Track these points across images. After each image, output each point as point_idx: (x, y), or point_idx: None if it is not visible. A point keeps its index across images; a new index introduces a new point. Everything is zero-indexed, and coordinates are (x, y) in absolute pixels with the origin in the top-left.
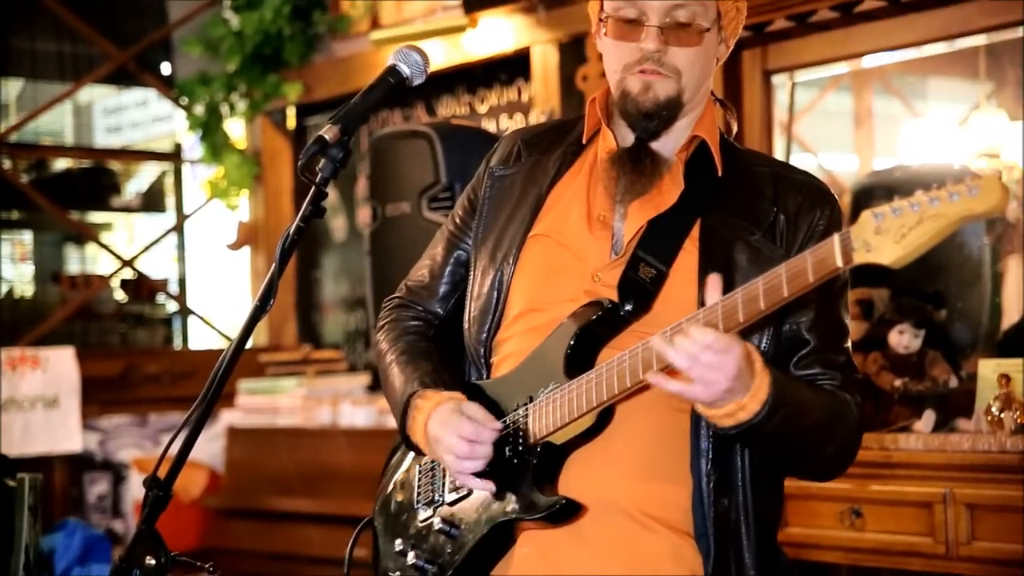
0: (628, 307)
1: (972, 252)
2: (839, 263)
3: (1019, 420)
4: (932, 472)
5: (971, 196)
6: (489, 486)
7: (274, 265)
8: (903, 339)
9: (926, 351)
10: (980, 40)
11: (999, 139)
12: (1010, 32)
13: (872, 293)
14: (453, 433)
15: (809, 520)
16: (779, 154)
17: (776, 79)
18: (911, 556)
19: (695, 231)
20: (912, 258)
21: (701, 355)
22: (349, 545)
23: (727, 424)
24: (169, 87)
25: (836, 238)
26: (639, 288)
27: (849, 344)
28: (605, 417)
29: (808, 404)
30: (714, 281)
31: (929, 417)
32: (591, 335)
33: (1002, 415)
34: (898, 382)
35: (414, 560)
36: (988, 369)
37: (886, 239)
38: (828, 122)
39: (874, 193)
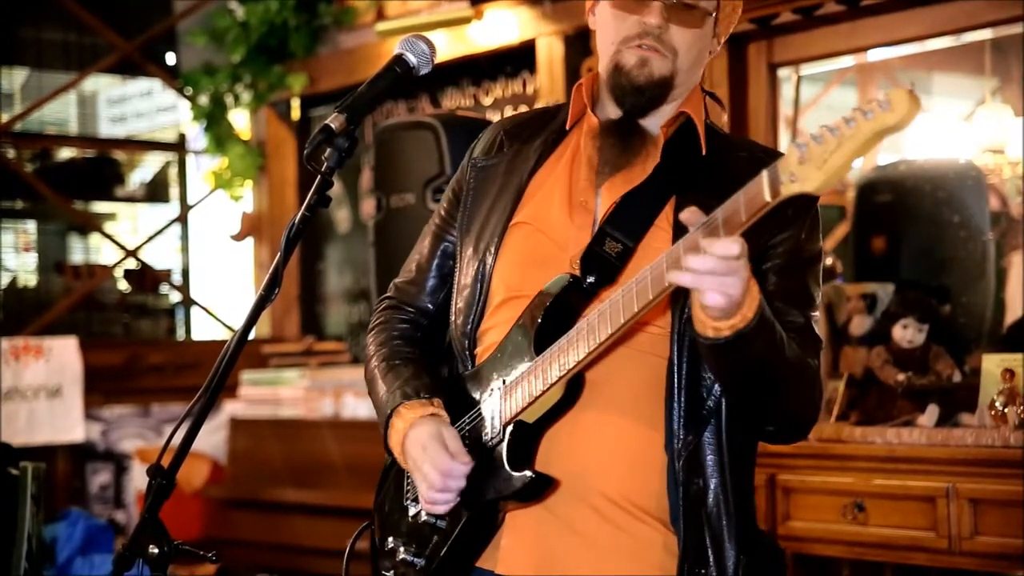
0: (591, 279)
1: (976, 247)
2: (767, 198)
3: (1023, 415)
4: (935, 466)
5: (884, 111)
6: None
7: (279, 254)
8: (907, 333)
9: (930, 346)
10: (986, 35)
11: (1004, 134)
12: (1016, 27)
13: (877, 287)
14: (430, 463)
15: (812, 514)
16: (783, 148)
17: (781, 72)
18: (914, 550)
19: (669, 210)
20: (834, 182)
21: (718, 267)
22: (347, 548)
23: (725, 335)
24: (174, 77)
25: (764, 174)
26: (602, 261)
27: (814, 314)
28: (575, 389)
29: (782, 336)
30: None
31: (933, 411)
32: (557, 310)
33: (1006, 410)
34: (902, 376)
35: (403, 555)
36: (992, 364)
37: (809, 168)
38: (833, 116)
39: (878, 188)
